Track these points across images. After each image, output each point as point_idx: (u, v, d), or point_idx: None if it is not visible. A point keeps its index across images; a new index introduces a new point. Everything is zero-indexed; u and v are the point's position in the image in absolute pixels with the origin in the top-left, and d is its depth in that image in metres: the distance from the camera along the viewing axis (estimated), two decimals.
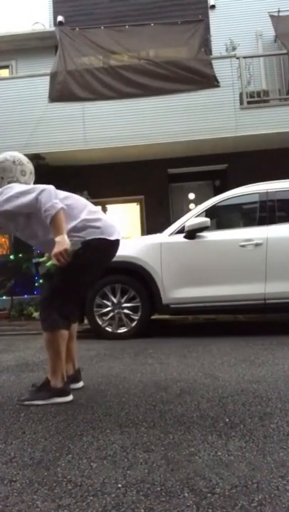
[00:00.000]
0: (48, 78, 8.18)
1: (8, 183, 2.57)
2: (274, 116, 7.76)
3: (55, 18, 9.81)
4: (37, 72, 8.56)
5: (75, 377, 2.68)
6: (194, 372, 2.98)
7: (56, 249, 2.24)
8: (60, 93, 8.08)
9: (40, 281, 8.06)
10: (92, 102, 8.04)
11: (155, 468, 1.53)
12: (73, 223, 2.44)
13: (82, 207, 2.55)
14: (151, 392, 2.52)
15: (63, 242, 2.25)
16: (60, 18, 9.65)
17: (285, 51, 8.22)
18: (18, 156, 2.69)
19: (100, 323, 4.80)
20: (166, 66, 7.99)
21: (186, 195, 9.45)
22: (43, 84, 8.15)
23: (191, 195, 9.45)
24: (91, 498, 1.35)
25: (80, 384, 2.70)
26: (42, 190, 2.43)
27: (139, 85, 7.98)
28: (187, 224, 4.72)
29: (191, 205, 9.15)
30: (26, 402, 2.42)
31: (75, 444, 1.80)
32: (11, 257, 8.50)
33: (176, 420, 2.03)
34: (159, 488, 1.39)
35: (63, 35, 8.72)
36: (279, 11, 8.86)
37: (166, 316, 5.72)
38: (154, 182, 8.84)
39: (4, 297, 8.27)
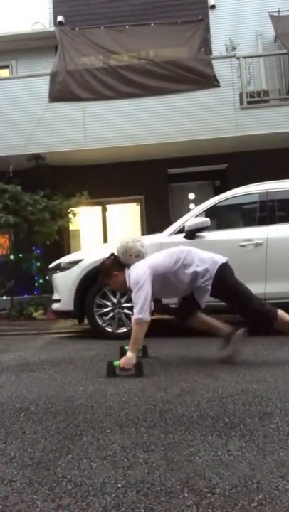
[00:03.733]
0: (48, 78, 8.18)
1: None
2: (274, 116, 7.76)
3: (55, 18, 9.81)
4: (37, 72, 8.55)
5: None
6: (194, 372, 2.98)
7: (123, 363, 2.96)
8: (60, 93, 8.08)
9: (40, 281, 8.06)
10: (92, 102, 8.04)
11: (155, 468, 1.53)
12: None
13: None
14: (151, 392, 2.52)
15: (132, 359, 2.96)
16: (60, 18, 9.65)
17: (285, 51, 8.22)
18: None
19: (100, 323, 4.80)
20: (166, 66, 7.99)
21: (186, 195, 9.45)
22: (43, 84, 8.15)
23: (191, 195, 9.45)
24: (91, 498, 1.35)
25: None
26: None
27: (139, 85, 7.98)
28: (187, 224, 4.72)
29: (191, 205, 9.15)
30: None
31: (75, 444, 1.79)
32: (11, 257, 8.49)
33: (176, 420, 2.03)
34: (159, 488, 1.39)
35: (63, 35, 8.72)
36: (279, 11, 8.86)
37: (166, 316, 5.72)
38: (154, 182, 8.84)
39: (4, 297, 8.27)
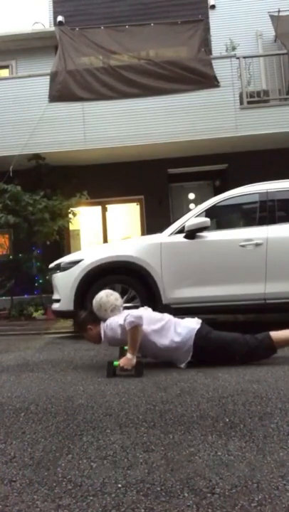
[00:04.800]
0: (48, 78, 8.17)
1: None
2: (274, 116, 7.76)
3: (55, 18, 9.81)
4: (37, 72, 8.56)
5: None
6: (194, 372, 2.98)
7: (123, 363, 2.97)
8: (60, 93, 8.08)
9: (40, 281, 8.06)
10: (92, 102, 8.04)
11: (155, 468, 1.53)
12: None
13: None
14: (151, 392, 2.52)
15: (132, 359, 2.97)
16: (60, 18, 9.65)
17: (285, 51, 8.22)
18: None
19: None
20: (166, 66, 7.99)
21: (186, 195, 9.45)
22: (43, 84, 8.15)
23: (191, 195, 9.45)
24: (91, 498, 1.35)
25: None
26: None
27: (139, 85, 7.97)
28: (187, 224, 4.71)
29: (191, 205, 9.15)
30: None
31: (75, 444, 1.79)
32: (11, 257, 8.49)
33: (176, 420, 2.03)
34: (159, 488, 1.39)
35: (63, 35, 8.72)
36: (279, 11, 8.86)
37: None
38: (154, 182, 8.84)
39: (4, 297, 8.27)
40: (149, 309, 3.43)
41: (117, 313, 3.22)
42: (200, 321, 3.23)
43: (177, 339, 3.09)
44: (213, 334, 3.18)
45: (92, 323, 3.28)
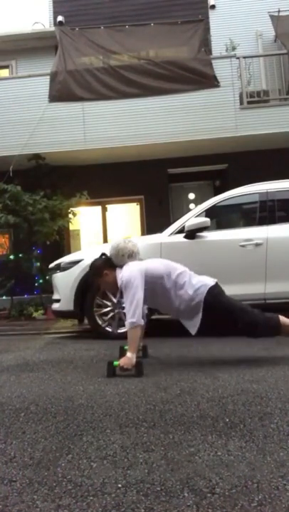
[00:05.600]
0: (48, 78, 8.18)
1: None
2: (274, 116, 7.76)
3: (55, 18, 9.82)
4: (37, 72, 8.57)
5: None
6: (194, 372, 2.98)
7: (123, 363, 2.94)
8: (60, 93, 8.09)
9: (40, 281, 8.06)
10: (92, 102, 8.04)
11: (155, 468, 1.53)
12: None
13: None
14: (151, 392, 2.51)
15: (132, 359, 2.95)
16: (60, 18, 9.66)
17: (285, 51, 8.23)
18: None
19: (100, 323, 4.80)
20: (166, 66, 8.00)
21: (186, 195, 9.45)
22: (43, 84, 8.15)
23: (191, 195, 9.45)
24: (91, 498, 1.35)
25: None
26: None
27: (139, 85, 7.98)
28: (187, 224, 4.72)
29: (191, 205, 9.15)
30: None
31: (75, 444, 1.79)
32: (11, 257, 8.49)
33: (176, 420, 2.03)
34: (159, 488, 1.39)
35: (63, 35, 8.72)
36: (279, 11, 8.86)
37: (166, 316, 5.72)
38: (154, 182, 8.84)
39: (4, 297, 8.27)
40: (166, 261, 3.42)
41: (133, 259, 3.22)
42: (216, 280, 3.25)
43: (190, 291, 3.11)
44: (225, 297, 3.20)
45: (109, 268, 3.27)
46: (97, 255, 3.51)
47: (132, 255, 3.23)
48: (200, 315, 3.13)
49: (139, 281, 3.04)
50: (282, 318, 3.16)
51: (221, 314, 3.16)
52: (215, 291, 3.16)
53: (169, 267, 3.21)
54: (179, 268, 3.24)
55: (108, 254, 3.32)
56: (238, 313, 3.15)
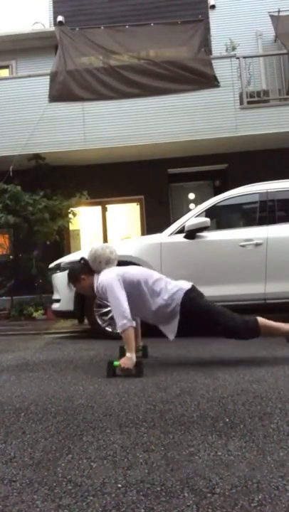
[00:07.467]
0: (48, 78, 8.19)
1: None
2: (274, 116, 7.77)
3: (55, 18, 9.82)
4: (37, 72, 8.57)
5: None
6: (194, 372, 2.98)
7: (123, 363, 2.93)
8: (60, 93, 8.09)
9: (40, 281, 8.06)
10: (92, 102, 8.04)
11: (155, 468, 1.53)
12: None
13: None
14: (151, 392, 2.51)
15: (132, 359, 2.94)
16: (60, 18, 9.66)
17: (285, 51, 8.23)
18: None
19: (100, 323, 4.80)
20: (166, 66, 8.00)
21: (186, 195, 9.45)
22: (43, 84, 8.16)
23: (191, 195, 9.45)
24: (91, 498, 1.35)
25: None
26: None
27: (139, 85, 7.98)
28: (187, 224, 4.72)
29: (191, 205, 9.15)
30: None
31: (75, 444, 1.79)
32: (11, 257, 8.49)
33: (176, 420, 2.03)
34: (159, 488, 1.39)
35: (63, 35, 8.72)
36: (279, 11, 8.86)
37: None
38: (154, 182, 8.85)
39: (4, 297, 8.27)
40: (143, 268, 3.47)
41: (111, 266, 3.24)
42: (191, 283, 3.26)
43: (166, 296, 3.12)
44: (202, 300, 3.21)
45: (86, 273, 3.30)
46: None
47: (109, 262, 3.24)
48: (177, 319, 3.14)
49: (117, 283, 3.07)
50: (261, 320, 3.15)
51: (200, 317, 3.16)
52: (192, 295, 3.16)
53: (145, 274, 3.23)
54: (156, 275, 3.26)
55: (88, 256, 3.33)
56: (216, 315, 3.15)
